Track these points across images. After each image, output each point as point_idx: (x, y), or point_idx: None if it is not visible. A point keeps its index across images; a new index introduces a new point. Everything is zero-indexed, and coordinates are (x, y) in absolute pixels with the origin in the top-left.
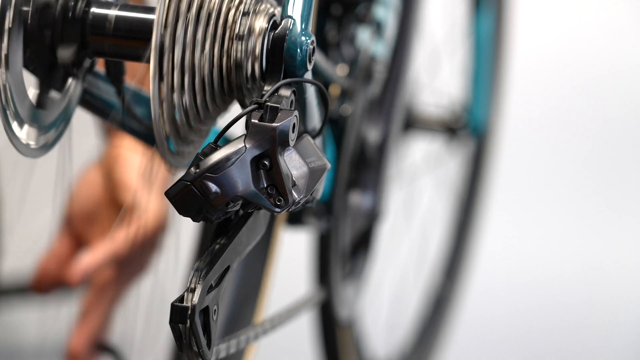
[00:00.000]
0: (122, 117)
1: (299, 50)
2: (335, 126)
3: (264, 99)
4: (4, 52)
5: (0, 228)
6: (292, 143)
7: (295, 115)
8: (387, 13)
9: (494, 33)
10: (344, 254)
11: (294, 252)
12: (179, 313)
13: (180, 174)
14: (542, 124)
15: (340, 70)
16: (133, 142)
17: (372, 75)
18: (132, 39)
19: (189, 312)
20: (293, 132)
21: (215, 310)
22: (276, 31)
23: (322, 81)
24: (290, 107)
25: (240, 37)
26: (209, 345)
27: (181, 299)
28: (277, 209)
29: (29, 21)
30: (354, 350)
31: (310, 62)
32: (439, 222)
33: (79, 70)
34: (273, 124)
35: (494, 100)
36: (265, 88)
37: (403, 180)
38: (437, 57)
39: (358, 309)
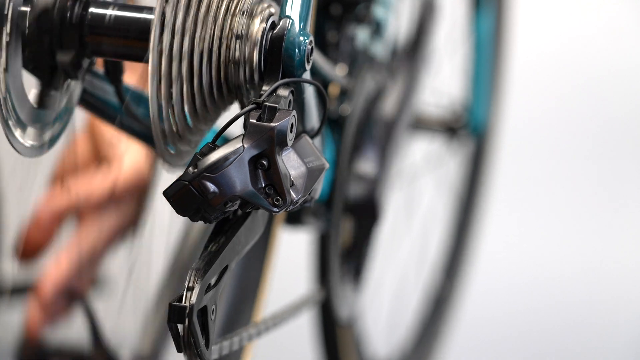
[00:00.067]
0: (121, 116)
1: (297, 50)
2: (334, 126)
3: (262, 98)
4: (4, 51)
5: (1, 228)
6: (290, 143)
7: (294, 115)
8: (386, 13)
9: (494, 33)
10: (343, 253)
11: (293, 251)
12: (177, 312)
13: (179, 173)
14: (542, 124)
15: (339, 70)
16: None
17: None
18: (130, 39)
19: (187, 311)
20: (291, 132)
21: (213, 309)
22: (274, 31)
23: (321, 81)
24: (289, 107)
25: (238, 37)
26: (207, 344)
27: (179, 298)
28: (275, 209)
29: (27, 22)
30: (354, 349)
31: (308, 62)
32: (439, 221)
33: (78, 70)
34: (271, 124)
35: (494, 100)
36: (264, 88)
37: (403, 179)
38: (438, 56)
39: (358, 309)
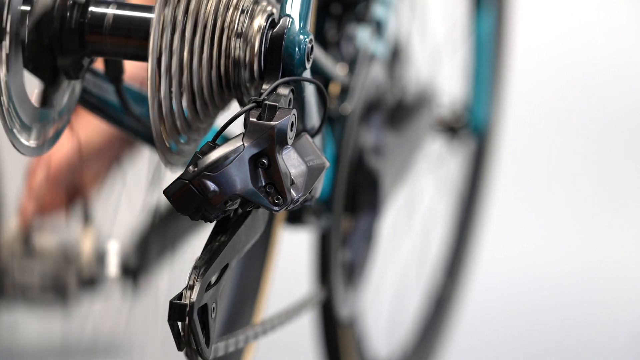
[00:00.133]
0: (121, 115)
1: (297, 49)
2: (334, 124)
3: (262, 97)
4: (4, 52)
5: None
6: (290, 141)
7: (294, 114)
8: (386, 12)
9: (495, 32)
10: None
11: (294, 251)
12: (177, 310)
13: (179, 172)
14: (543, 123)
15: (339, 70)
16: None
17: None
18: (130, 38)
19: (188, 309)
20: (291, 130)
21: (213, 308)
22: (274, 30)
23: (322, 79)
24: (289, 105)
25: (238, 36)
26: (207, 343)
27: (180, 296)
28: (275, 208)
29: (27, 22)
30: (355, 349)
31: (308, 60)
32: (440, 221)
33: (78, 69)
34: (271, 123)
35: (495, 100)
36: (264, 87)
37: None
38: (438, 56)
39: (359, 309)
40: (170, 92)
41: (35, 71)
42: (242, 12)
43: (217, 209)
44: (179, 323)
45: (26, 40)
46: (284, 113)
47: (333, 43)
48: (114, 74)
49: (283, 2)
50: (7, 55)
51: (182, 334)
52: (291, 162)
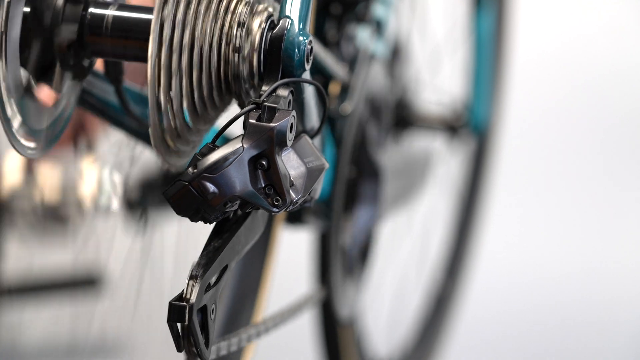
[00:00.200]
0: (121, 116)
1: (296, 50)
2: (334, 125)
3: (261, 99)
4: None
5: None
6: (289, 143)
7: (293, 115)
8: (386, 12)
9: (495, 31)
10: (344, 252)
11: (294, 251)
12: (176, 311)
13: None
14: (543, 123)
15: (339, 69)
16: None
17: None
18: (129, 39)
19: (187, 310)
20: (291, 132)
21: (213, 309)
22: (274, 31)
23: (321, 81)
24: (288, 107)
25: (238, 37)
26: (206, 344)
27: (179, 297)
28: (274, 209)
29: (27, 23)
30: (355, 349)
31: (308, 62)
32: (440, 220)
33: (78, 70)
34: (270, 124)
35: (495, 99)
36: (263, 88)
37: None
38: (438, 55)
39: (359, 308)
40: (170, 93)
41: (34, 72)
42: (242, 13)
43: (217, 210)
44: (179, 324)
45: (25, 41)
46: (283, 114)
47: (333, 43)
48: (114, 74)
49: (282, 3)
50: (6, 56)
51: (181, 335)
52: (291, 164)
